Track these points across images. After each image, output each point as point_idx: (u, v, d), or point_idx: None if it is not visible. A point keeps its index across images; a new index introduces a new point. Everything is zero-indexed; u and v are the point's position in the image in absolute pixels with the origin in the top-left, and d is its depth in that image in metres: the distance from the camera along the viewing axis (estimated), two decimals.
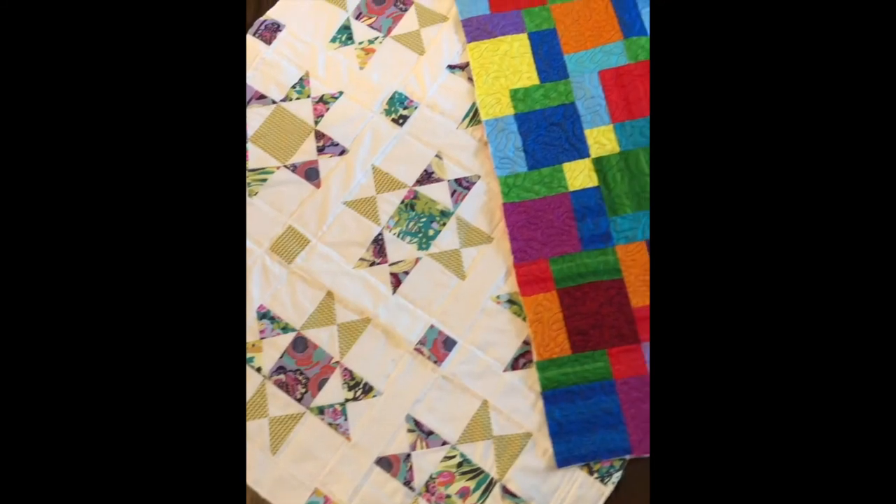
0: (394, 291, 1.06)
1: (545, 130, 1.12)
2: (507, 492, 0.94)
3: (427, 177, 1.12)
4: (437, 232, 1.08)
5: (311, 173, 1.13)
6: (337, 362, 1.03)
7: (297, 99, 1.18)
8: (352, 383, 1.02)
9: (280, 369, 1.03)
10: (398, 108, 1.16)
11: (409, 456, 0.97)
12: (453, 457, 0.97)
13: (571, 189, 1.08)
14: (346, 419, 1.00)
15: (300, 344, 1.04)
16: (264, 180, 1.13)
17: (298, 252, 1.08)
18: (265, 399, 1.01)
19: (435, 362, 1.01)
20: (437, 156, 1.13)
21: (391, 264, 1.07)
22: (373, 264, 1.07)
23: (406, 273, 1.06)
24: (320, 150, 1.15)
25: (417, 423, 0.99)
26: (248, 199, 1.12)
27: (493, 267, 1.06)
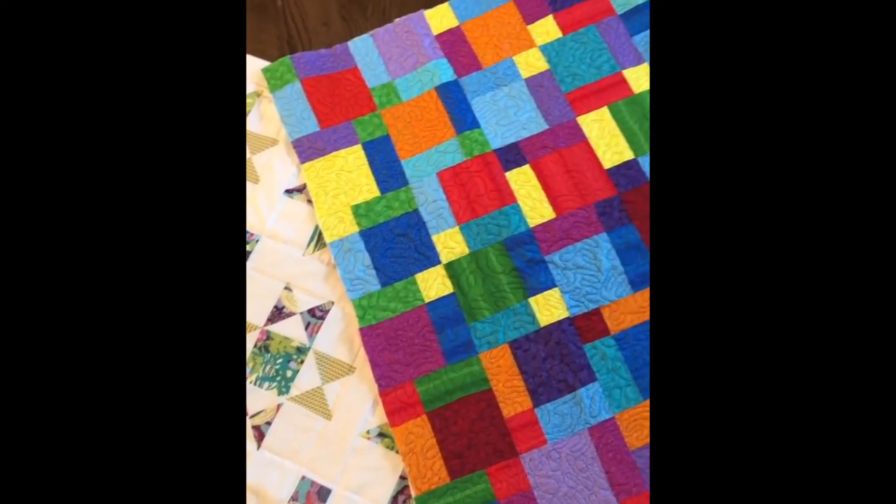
0: (258, 447, 0.99)
1: (393, 243, 1.09)
2: None
3: (278, 313, 1.06)
4: (296, 372, 1.03)
5: None
6: None
7: None
8: None
9: None
10: None
11: None
12: None
13: (427, 300, 1.04)
14: None
15: None
16: None
17: None
18: None
19: None
20: (286, 288, 1.08)
21: (252, 416, 1.01)
22: None
23: (269, 423, 1.00)
24: None
25: None
26: None
27: (358, 399, 1.00)
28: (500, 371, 0.99)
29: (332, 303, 1.07)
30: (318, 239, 1.11)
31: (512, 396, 0.98)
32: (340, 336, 1.05)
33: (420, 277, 1.06)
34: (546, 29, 1.21)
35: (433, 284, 1.05)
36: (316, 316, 1.06)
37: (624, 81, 1.15)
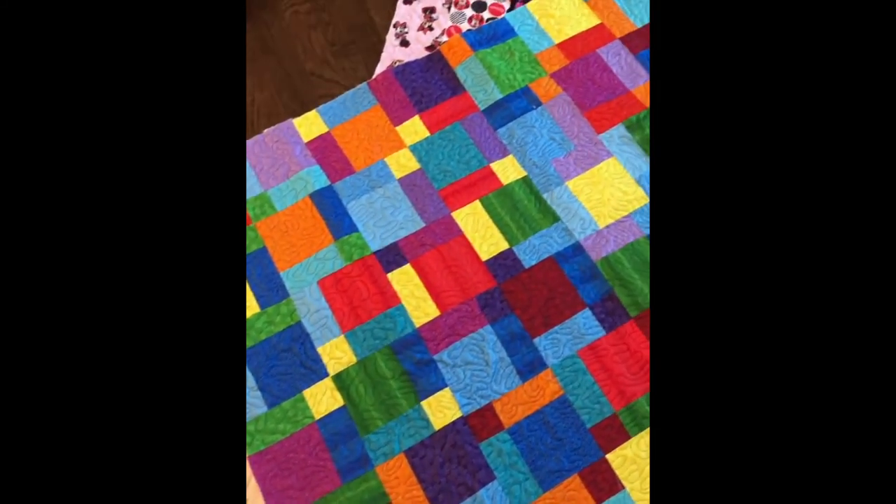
0: None
1: (277, 360, 1.05)
2: None
3: None
4: None
5: None
6: None
7: None
8: None
9: None
10: None
11: None
12: None
13: (317, 417, 1.01)
14: None
15: None
16: None
17: None
18: None
19: None
20: None
21: None
22: None
23: None
24: None
25: None
26: None
27: None
28: (399, 483, 0.96)
29: None
30: None
31: None
32: None
33: (308, 393, 1.03)
34: (414, 129, 1.24)
35: (322, 399, 1.02)
36: None
37: (492, 174, 1.19)
